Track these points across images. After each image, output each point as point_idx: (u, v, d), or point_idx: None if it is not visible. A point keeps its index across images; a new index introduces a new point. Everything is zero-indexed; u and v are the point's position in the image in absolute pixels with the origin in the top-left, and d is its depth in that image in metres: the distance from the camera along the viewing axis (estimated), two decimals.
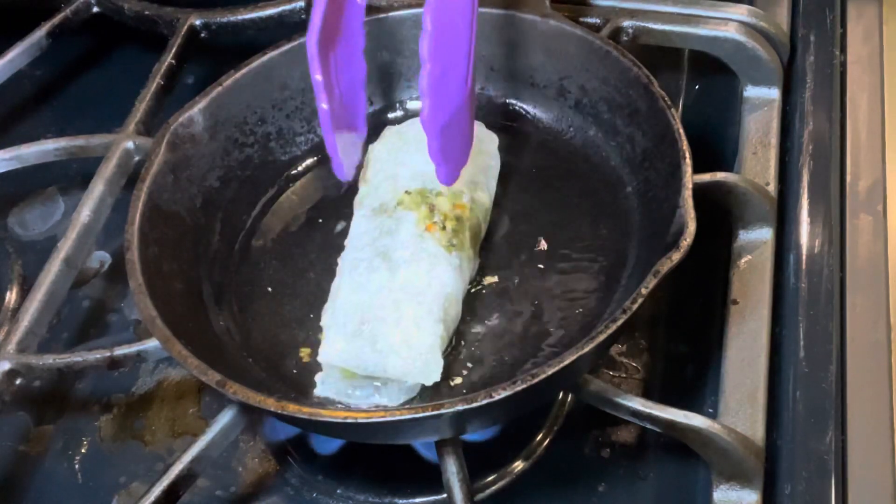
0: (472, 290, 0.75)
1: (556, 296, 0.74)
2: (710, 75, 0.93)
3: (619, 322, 0.62)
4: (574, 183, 0.81)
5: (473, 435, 0.73)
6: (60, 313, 0.80)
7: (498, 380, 0.68)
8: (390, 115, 0.88)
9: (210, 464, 0.69)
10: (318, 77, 0.68)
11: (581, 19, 0.86)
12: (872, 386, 0.66)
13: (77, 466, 0.77)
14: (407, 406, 0.67)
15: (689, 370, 0.77)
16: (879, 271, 0.71)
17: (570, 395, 0.75)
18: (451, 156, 0.70)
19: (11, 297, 0.85)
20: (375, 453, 0.74)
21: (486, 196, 0.78)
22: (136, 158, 0.84)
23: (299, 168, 0.86)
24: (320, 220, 0.82)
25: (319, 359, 0.69)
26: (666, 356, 0.78)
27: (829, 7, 0.89)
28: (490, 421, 0.71)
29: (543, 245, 0.77)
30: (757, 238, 0.76)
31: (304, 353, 0.72)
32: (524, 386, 0.60)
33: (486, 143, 0.80)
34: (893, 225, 0.73)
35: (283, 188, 0.84)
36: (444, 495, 0.65)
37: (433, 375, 0.67)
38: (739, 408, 0.67)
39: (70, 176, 0.94)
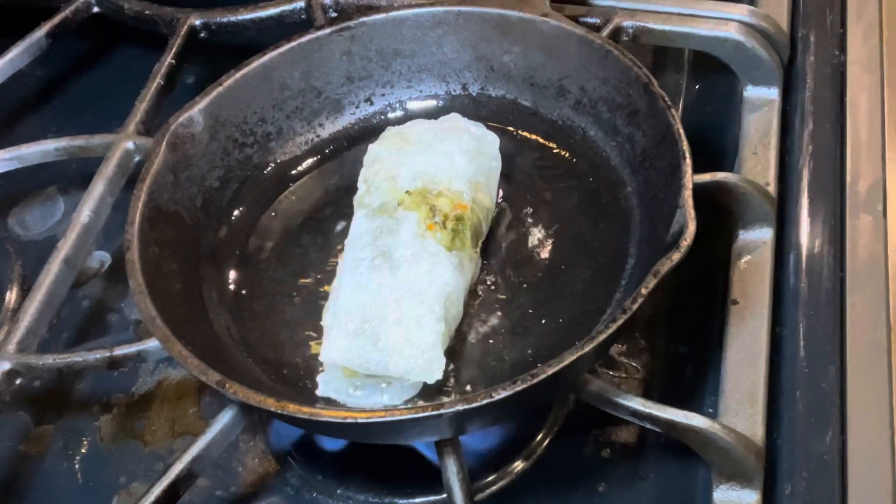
0: (474, 290, 0.75)
1: (557, 296, 0.74)
2: (710, 75, 0.93)
3: (619, 322, 0.62)
4: (574, 183, 0.81)
5: (473, 435, 0.73)
6: (60, 313, 0.80)
7: (498, 380, 0.68)
8: (390, 115, 0.88)
9: (210, 464, 0.69)
10: None
11: (581, 19, 0.86)
12: (872, 386, 0.66)
13: (77, 466, 0.77)
14: (407, 406, 0.67)
15: (689, 370, 0.77)
16: (879, 271, 0.71)
17: (570, 395, 0.75)
18: None
19: (11, 297, 0.85)
20: (375, 453, 0.74)
21: (486, 196, 0.78)
22: (136, 158, 0.85)
23: (299, 168, 0.85)
24: (320, 220, 0.82)
25: (321, 358, 0.69)
26: (666, 356, 0.78)
27: (829, 7, 0.89)
28: (490, 421, 0.71)
29: (544, 245, 0.77)
30: (757, 238, 0.76)
31: (317, 349, 0.72)
32: (524, 386, 0.60)
33: (487, 144, 0.80)
34: (893, 225, 0.73)
35: (282, 188, 0.84)
36: (444, 495, 0.65)
37: (435, 373, 0.67)
38: (739, 408, 0.67)
39: (70, 176, 0.94)
